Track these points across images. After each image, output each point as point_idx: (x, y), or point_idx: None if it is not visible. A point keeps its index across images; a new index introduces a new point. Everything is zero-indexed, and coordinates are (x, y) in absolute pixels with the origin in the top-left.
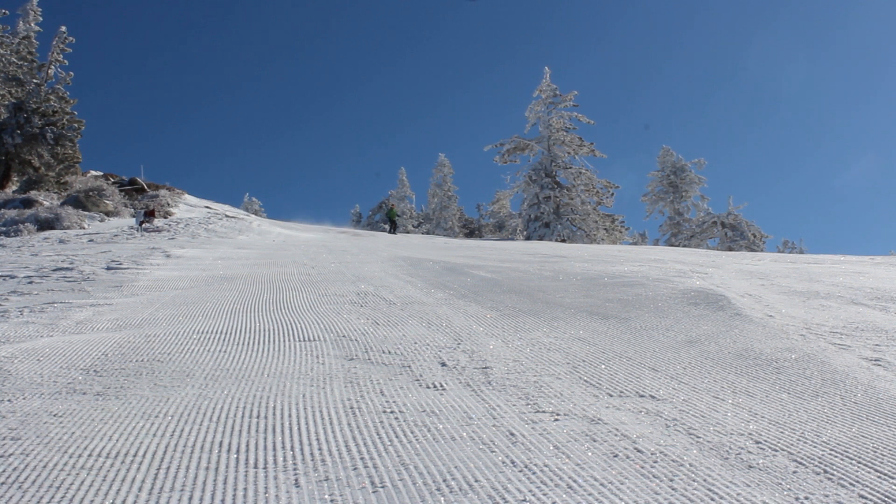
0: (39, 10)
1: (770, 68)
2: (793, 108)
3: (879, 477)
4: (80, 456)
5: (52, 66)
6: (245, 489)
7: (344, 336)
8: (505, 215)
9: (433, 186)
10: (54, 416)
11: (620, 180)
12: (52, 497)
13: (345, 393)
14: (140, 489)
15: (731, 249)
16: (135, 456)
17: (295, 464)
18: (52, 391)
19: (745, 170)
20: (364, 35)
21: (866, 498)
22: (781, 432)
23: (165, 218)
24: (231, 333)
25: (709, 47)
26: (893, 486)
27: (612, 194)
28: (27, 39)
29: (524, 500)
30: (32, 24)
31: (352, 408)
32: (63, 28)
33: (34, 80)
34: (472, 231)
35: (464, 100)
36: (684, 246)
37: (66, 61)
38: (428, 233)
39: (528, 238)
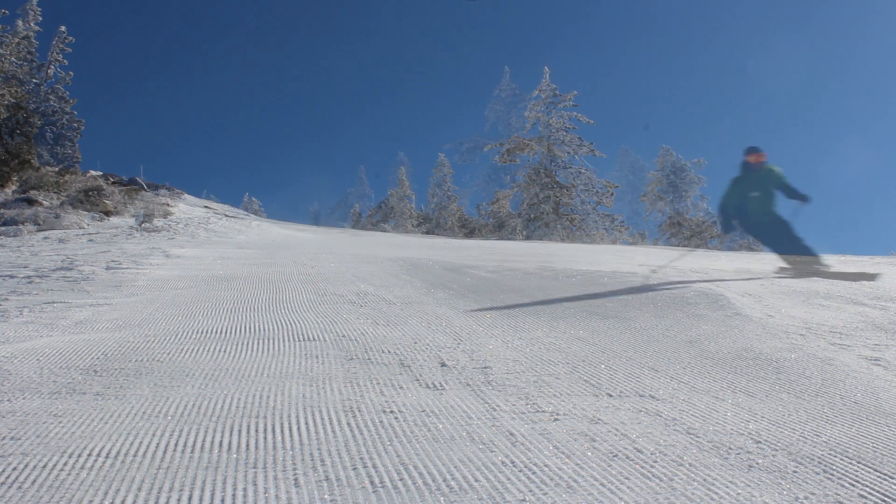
0: (39, 9)
1: (769, 67)
2: (794, 107)
3: (880, 477)
4: (79, 456)
5: (52, 66)
6: (245, 489)
7: (343, 336)
8: (504, 215)
9: (432, 186)
10: (54, 415)
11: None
12: (52, 497)
13: (344, 393)
14: (139, 489)
15: (729, 249)
16: (135, 456)
17: (294, 463)
18: (51, 391)
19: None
20: (364, 35)
21: (866, 498)
22: (781, 432)
23: (165, 218)
24: (231, 333)
25: (708, 47)
26: (894, 487)
27: (612, 194)
28: (27, 39)
29: (524, 500)
30: (32, 24)
31: (351, 408)
32: (63, 28)
33: (34, 80)
34: (471, 231)
35: (462, 99)
36: (684, 246)
37: (65, 61)
38: (428, 232)
39: (527, 238)
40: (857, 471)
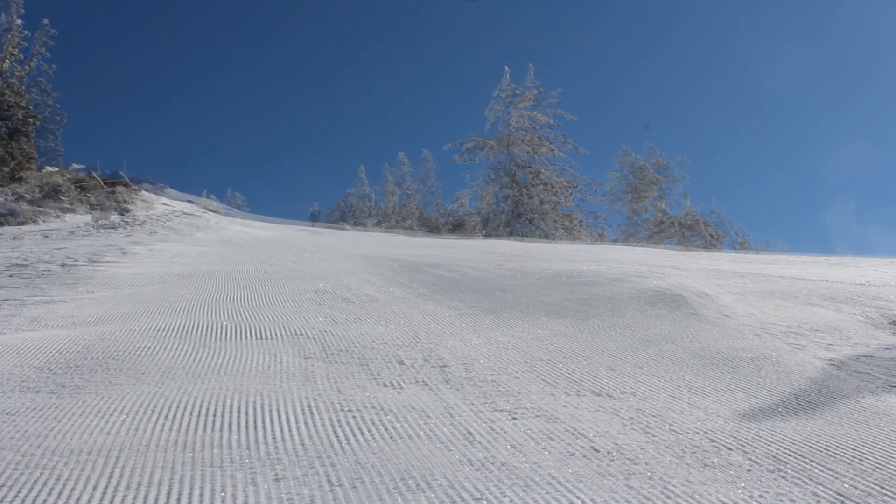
0: (21, 1)
1: (767, 68)
2: (782, 105)
3: (832, 475)
4: (33, 454)
5: (35, 59)
6: (202, 488)
7: (301, 334)
8: (464, 214)
9: (391, 184)
10: (7, 414)
11: (603, 177)
12: (5, 496)
13: (302, 391)
14: (95, 488)
15: (711, 248)
16: (89, 454)
17: (251, 462)
18: (4, 389)
19: (728, 168)
20: (364, 35)
21: (819, 496)
22: (737, 431)
23: (122, 215)
24: (188, 331)
25: (705, 46)
26: (846, 485)
27: (595, 191)
28: (9, 32)
29: (481, 499)
30: (15, 17)
31: (309, 406)
32: (45, 21)
33: (16, 73)
34: (430, 230)
35: (463, 99)
36: (667, 244)
37: (48, 54)
38: (387, 230)
39: (511, 234)
40: (810, 469)
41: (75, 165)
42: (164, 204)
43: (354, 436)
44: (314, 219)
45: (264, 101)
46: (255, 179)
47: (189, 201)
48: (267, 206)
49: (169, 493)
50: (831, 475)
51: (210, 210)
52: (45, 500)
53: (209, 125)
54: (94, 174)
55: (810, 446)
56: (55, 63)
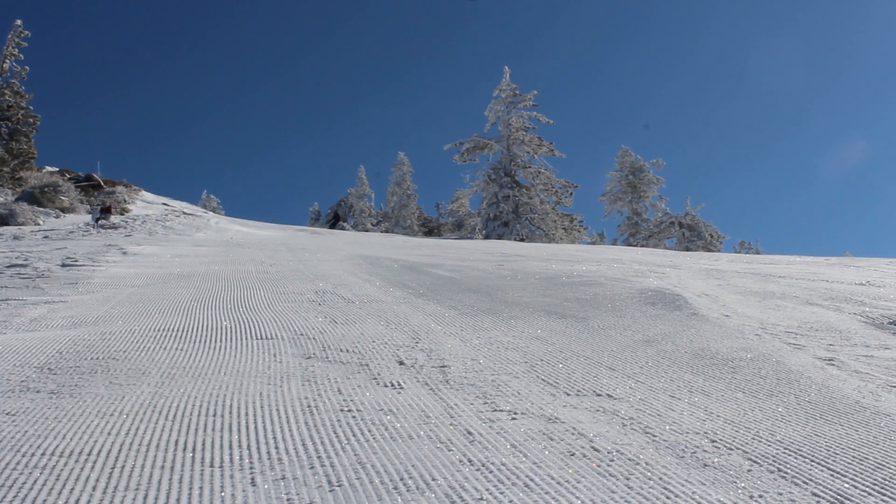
0: None
1: (761, 66)
2: (784, 106)
3: (832, 475)
4: (33, 455)
5: (7, 61)
6: (201, 488)
7: (301, 334)
8: (464, 214)
9: (392, 185)
10: (7, 414)
11: (580, 179)
12: (5, 496)
13: (302, 391)
14: (94, 488)
15: (688, 249)
16: (89, 455)
17: (251, 462)
18: (4, 389)
19: (699, 169)
20: (366, 36)
21: (819, 496)
22: (737, 431)
23: (122, 215)
24: (188, 331)
25: (699, 46)
26: (846, 485)
27: (571, 194)
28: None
29: (481, 499)
30: None
31: (309, 407)
32: (18, 21)
33: (16, 72)
34: (430, 230)
35: (463, 99)
36: (642, 246)
37: (21, 55)
38: (387, 231)
39: (486, 237)
40: (810, 469)
41: (49, 168)
42: (164, 204)
43: (355, 436)
44: (316, 219)
45: (253, 105)
46: (244, 182)
47: (163, 203)
48: (262, 209)
49: (169, 493)
50: (831, 475)
51: (186, 212)
52: (45, 500)
53: (188, 127)
54: (95, 175)
55: (810, 446)
56: (28, 64)
